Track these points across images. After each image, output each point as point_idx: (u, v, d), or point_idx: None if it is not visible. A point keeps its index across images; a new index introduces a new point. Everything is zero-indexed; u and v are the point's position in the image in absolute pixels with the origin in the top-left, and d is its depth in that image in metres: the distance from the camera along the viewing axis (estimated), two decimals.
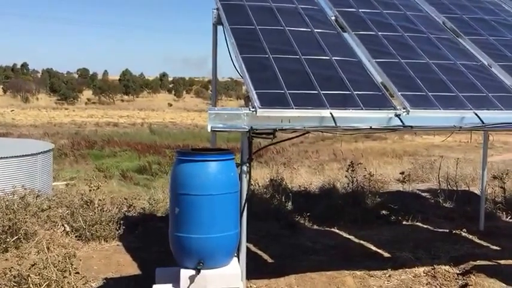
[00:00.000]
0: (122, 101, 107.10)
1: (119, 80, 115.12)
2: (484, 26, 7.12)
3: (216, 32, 6.17)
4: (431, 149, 31.60)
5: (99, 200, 7.55)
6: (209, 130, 4.70)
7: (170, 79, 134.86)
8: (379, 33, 6.39)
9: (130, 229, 7.64)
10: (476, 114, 5.15)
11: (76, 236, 7.24)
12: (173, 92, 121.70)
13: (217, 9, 6.11)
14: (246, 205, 4.92)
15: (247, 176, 4.95)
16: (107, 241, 7.23)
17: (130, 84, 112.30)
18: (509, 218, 9.20)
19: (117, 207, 8.00)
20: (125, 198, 9.00)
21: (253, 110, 4.64)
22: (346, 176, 10.49)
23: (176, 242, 4.76)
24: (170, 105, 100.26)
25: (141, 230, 7.74)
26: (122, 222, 7.45)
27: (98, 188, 7.74)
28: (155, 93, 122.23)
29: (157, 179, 18.90)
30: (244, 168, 4.91)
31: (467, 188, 11.53)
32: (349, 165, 10.46)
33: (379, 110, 5.00)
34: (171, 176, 4.93)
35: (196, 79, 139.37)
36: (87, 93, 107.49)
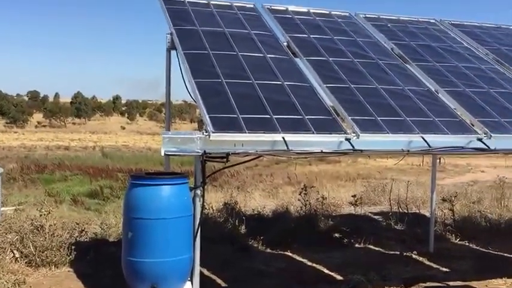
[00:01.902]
0: (74, 124, 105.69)
1: (71, 102, 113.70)
2: (430, 53, 7.36)
3: (170, 56, 6.21)
4: (385, 172, 32.03)
5: (50, 225, 7.41)
6: (162, 154, 4.72)
7: (123, 102, 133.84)
8: (330, 58, 6.53)
9: (82, 254, 7.50)
10: (423, 138, 5.32)
11: (26, 262, 7.06)
12: (126, 115, 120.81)
13: (171, 34, 6.16)
14: (199, 229, 4.93)
15: (201, 199, 4.98)
16: (57, 267, 7.08)
17: (83, 107, 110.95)
18: (458, 240, 9.40)
19: (68, 233, 7.85)
20: (77, 223, 8.84)
21: (207, 134, 4.68)
22: (299, 200, 10.58)
23: (129, 267, 4.73)
24: (123, 128, 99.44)
25: (93, 255, 7.61)
26: (73, 247, 7.30)
27: (49, 213, 7.59)
28: (108, 116, 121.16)
29: (109, 204, 18.57)
30: (198, 191, 4.93)
31: (417, 211, 11.73)
32: (302, 189, 10.56)
33: (330, 134, 5.11)
34: (124, 200, 4.91)
35: (149, 102, 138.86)
36: (38, 116, 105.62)
